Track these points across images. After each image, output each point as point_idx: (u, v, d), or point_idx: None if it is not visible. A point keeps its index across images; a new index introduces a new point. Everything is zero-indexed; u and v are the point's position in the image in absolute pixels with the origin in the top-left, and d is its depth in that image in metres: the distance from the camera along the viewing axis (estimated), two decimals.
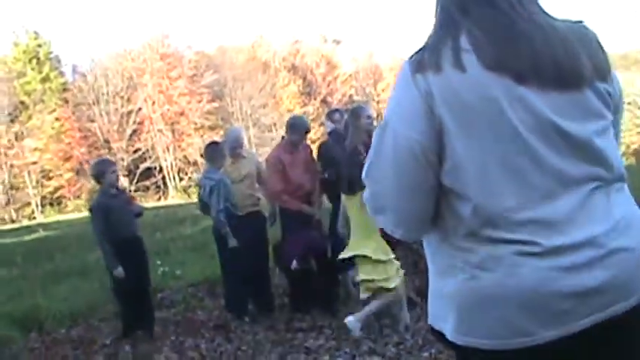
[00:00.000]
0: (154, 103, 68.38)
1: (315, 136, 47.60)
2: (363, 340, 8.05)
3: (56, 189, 64.74)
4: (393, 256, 8.31)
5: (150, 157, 66.98)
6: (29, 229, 38.06)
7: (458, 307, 2.36)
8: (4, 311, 11.98)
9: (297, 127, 10.24)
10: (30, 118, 65.98)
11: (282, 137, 10.65)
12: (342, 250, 9.37)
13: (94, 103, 66.02)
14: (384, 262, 8.18)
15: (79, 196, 63.27)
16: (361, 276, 8.33)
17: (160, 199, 63.55)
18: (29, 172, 63.86)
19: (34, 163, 64.04)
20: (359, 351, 7.74)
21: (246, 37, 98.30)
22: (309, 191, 10.16)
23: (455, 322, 2.37)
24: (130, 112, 67.06)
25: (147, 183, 66.24)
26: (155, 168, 67.17)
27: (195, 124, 68.89)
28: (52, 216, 58.30)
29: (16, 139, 65.00)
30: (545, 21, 2.34)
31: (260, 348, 8.40)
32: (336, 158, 9.75)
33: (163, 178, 67.43)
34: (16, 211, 63.87)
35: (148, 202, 55.33)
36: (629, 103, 45.29)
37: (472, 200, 2.30)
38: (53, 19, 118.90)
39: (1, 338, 10.55)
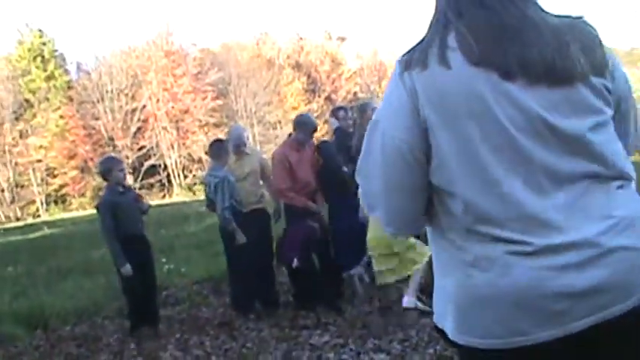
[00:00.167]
0: (158, 100, 68.42)
1: (320, 133, 47.58)
2: (368, 337, 8.05)
3: (61, 187, 64.87)
4: (413, 241, 8.30)
5: (154, 155, 67.02)
6: (34, 227, 38.20)
7: (456, 306, 2.36)
8: (9, 309, 12.00)
9: (305, 126, 10.22)
10: (35, 116, 66.13)
11: (289, 135, 10.63)
12: (344, 249, 9.42)
13: (98, 101, 66.07)
14: (397, 253, 8.21)
15: (83, 194, 63.44)
16: (377, 267, 8.51)
17: (164, 196, 63.66)
18: (34, 170, 63.99)
19: (39, 161, 64.16)
20: (364, 348, 7.72)
21: (251, 34, 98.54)
22: (315, 189, 10.15)
23: (454, 320, 2.38)
24: (134, 110, 67.11)
25: (151, 180, 66.31)
26: (160, 165, 67.24)
27: (200, 121, 68.89)
28: (57, 214, 58.53)
29: (21, 137, 65.19)
30: (539, 17, 2.31)
31: (265, 345, 8.39)
32: (336, 157, 9.79)
33: (168, 175, 67.48)
34: (21, 209, 64.02)
35: (153, 199, 55.30)
36: None
37: (460, 198, 2.30)
38: (57, 17, 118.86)
39: (6, 336, 10.57)
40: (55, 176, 65.12)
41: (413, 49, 2.42)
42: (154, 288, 9.93)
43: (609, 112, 2.31)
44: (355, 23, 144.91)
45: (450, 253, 2.39)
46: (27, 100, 67.14)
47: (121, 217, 9.28)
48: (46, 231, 33.25)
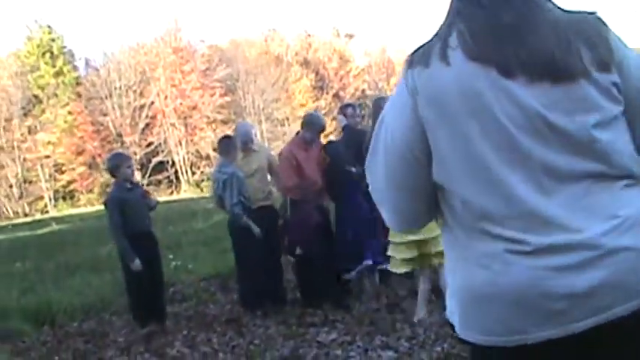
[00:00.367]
0: (166, 97, 68.47)
1: (328, 130, 47.53)
2: (376, 335, 8.04)
3: (69, 183, 64.99)
4: (433, 234, 8.29)
5: (162, 151, 67.05)
6: (42, 223, 38.26)
7: (460, 303, 2.39)
8: (18, 304, 12.01)
9: (313, 125, 10.23)
10: (43, 112, 66.23)
11: (297, 133, 10.62)
12: (346, 249, 9.42)
13: (106, 97, 66.13)
14: (416, 241, 8.21)
15: (91, 190, 63.54)
16: (391, 253, 8.48)
17: (172, 193, 63.72)
18: (42, 166, 64.12)
19: (47, 156, 64.28)
20: (371, 345, 7.71)
21: (259, 30, 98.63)
22: (321, 188, 10.15)
23: (458, 317, 2.40)
24: (142, 106, 67.19)
25: (159, 177, 66.40)
26: (168, 162, 67.30)
27: (208, 117, 68.90)
28: (65, 210, 58.65)
29: (30, 132, 65.29)
30: (539, 14, 2.28)
31: (272, 342, 8.39)
32: (343, 157, 9.80)
33: (176, 172, 67.53)
34: (29, 204, 64.17)
35: (161, 195, 55.25)
36: None
37: (460, 196, 2.32)
38: (66, 13, 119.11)
39: (13, 331, 10.58)
40: (63, 172, 65.23)
41: (419, 47, 2.43)
42: (161, 285, 9.94)
43: (616, 108, 2.25)
44: (363, 20, 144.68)
45: (456, 250, 2.41)
46: (35, 96, 67.25)
47: (129, 213, 9.29)
48: (54, 227, 33.30)
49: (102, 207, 9.76)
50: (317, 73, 79.25)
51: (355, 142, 10.06)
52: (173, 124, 68.17)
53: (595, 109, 2.20)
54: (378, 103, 9.85)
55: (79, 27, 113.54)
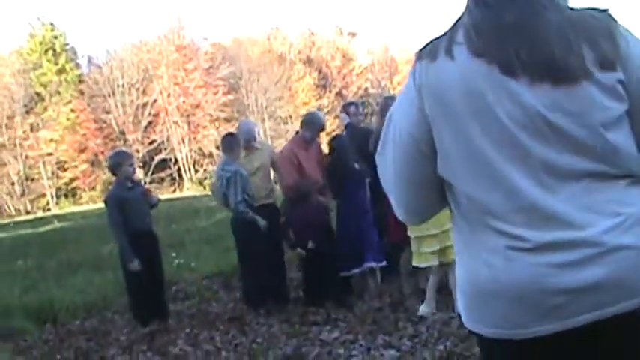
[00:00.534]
0: (169, 95, 68.44)
1: (330, 128, 47.64)
2: (378, 333, 8.04)
3: (71, 180, 64.97)
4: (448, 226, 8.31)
5: (165, 149, 67.08)
6: (44, 221, 38.26)
7: (466, 296, 2.44)
8: (20, 302, 12.02)
9: (313, 124, 10.28)
10: (46, 109, 66.21)
11: (297, 132, 10.63)
12: (345, 250, 9.43)
13: (109, 95, 66.10)
14: (435, 235, 8.24)
15: (93, 188, 63.51)
16: (417, 249, 8.56)
17: (174, 191, 63.71)
18: (44, 164, 64.10)
19: (50, 154, 64.28)
20: (374, 344, 7.71)
21: (262, 29, 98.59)
22: (322, 186, 10.16)
23: (466, 309, 2.46)
24: (145, 104, 67.18)
25: (162, 175, 66.40)
26: (170, 160, 67.28)
27: (211, 116, 68.90)
28: (67, 207, 58.58)
29: (32, 130, 65.29)
30: (544, 14, 2.28)
31: (274, 341, 8.39)
32: (349, 151, 9.80)
33: (178, 170, 67.52)
34: (31, 202, 64.17)
35: (163, 193, 55.35)
36: None
37: (463, 191, 2.37)
38: (69, 10, 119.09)
39: (15, 329, 10.58)
40: (65, 170, 65.23)
41: (429, 42, 2.46)
42: (161, 283, 9.97)
43: (622, 107, 2.24)
44: (366, 19, 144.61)
45: (463, 244, 2.47)
46: (38, 94, 67.24)
47: (129, 212, 9.31)
48: (56, 225, 33.32)
49: (104, 205, 9.76)
50: (320, 72, 79.23)
51: (358, 140, 10.08)
52: (176, 122, 68.16)
53: (597, 109, 2.21)
54: (387, 102, 9.90)
55: (82, 24, 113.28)
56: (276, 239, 10.13)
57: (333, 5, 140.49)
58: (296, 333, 8.61)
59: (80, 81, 69.20)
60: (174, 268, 13.84)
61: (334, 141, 10.30)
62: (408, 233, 8.57)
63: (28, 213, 59.70)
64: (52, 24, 70.68)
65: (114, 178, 9.99)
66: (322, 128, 10.47)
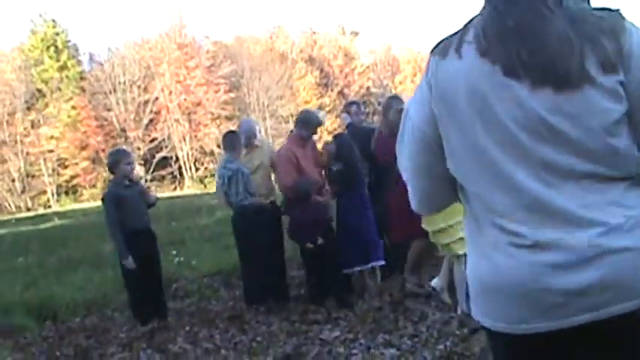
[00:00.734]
0: (170, 92, 68.47)
1: (332, 127, 47.72)
2: (379, 332, 8.04)
3: (72, 177, 64.94)
4: (460, 218, 8.32)
5: (166, 147, 67.05)
6: (44, 218, 38.27)
7: (473, 290, 2.52)
8: (20, 299, 12.01)
9: (309, 123, 10.28)
10: (47, 106, 66.21)
11: (291, 131, 10.65)
12: (346, 247, 9.43)
13: (110, 92, 66.11)
14: (450, 226, 8.24)
15: (94, 185, 63.47)
16: (439, 241, 8.50)
17: (175, 188, 63.73)
18: (45, 160, 64.10)
19: (50, 151, 64.27)
20: (374, 343, 7.71)
21: (264, 27, 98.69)
22: (321, 185, 10.16)
23: (473, 302, 2.53)
24: (146, 102, 67.20)
25: (163, 172, 66.39)
26: (171, 158, 67.28)
27: (212, 114, 68.92)
28: (68, 204, 58.61)
29: (33, 127, 65.24)
30: (548, 17, 2.28)
31: (274, 339, 8.38)
32: (350, 151, 9.79)
33: (179, 167, 67.53)
34: (32, 199, 64.17)
35: (164, 191, 55.49)
36: None
37: (470, 188, 2.46)
38: (71, 7, 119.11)
39: (15, 326, 10.58)
40: (66, 167, 65.21)
41: (444, 39, 2.52)
42: (159, 282, 9.96)
43: (621, 108, 2.25)
44: (369, 18, 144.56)
45: (472, 239, 2.53)
46: (39, 90, 67.25)
47: (126, 210, 9.34)
48: (57, 222, 33.33)
49: (101, 202, 9.77)
50: (322, 71, 79.23)
51: (360, 139, 10.07)
52: (177, 120, 68.18)
53: (598, 112, 2.23)
54: (390, 101, 9.90)
55: (84, 21, 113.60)
56: (277, 237, 10.14)
57: (336, 4, 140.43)
58: (296, 332, 8.61)
59: (81, 78, 69.20)
60: (174, 266, 13.84)
61: (336, 139, 10.30)
62: (423, 225, 8.56)
63: (28, 210, 59.77)
64: (53, 20, 70.79)
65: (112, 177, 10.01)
66: (318, 125, 10.48)
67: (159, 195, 10.76)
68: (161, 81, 68.30)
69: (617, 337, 2.29)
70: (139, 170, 56.35)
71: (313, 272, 10.01)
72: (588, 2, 2.39)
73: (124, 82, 66.64)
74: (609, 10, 2.34)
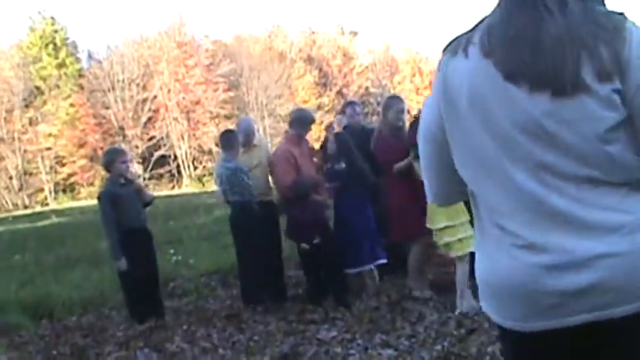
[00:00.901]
0: (169, 91, 68.51)
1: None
2: (376, 332, 8.03)
3: (69, 175, 64.97)
4: (464, 219, 8.28)
5: (164, 145, 67.03)
6: (42, 215, 38.34)
7: (480, 288, 2.58)
8: (16, 298, 12.01)
9: (303, 121, 10.36)
10: (45, 103, 66.24)
11: (286, 131, 10.66)
12: (344, 247, 9.41)
13: (109, 90, 66.07)
14: (452, 226, 8.28)
15: (92, 183, 63.41)
16: (450, 239, 8.49)
17: (173, 187, 63.73)
18: (43, 158, 64.12)
19: (48, 149, 64.29)
20: (372, 343, 7.70)
21: (263, 26, 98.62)
22: (320, 183, 10.15)
23: (482, 298, 2.59)
24: (145, 100, 67.20)
25: (161, 171, 66.37)
26: (170, 156, 67.27)
27: (211, 112, 68.93)
28: (65, 202, 58.65)
29: (31, 124, 65.26)
30: (549, 24, 2.28)
31: (272, 339, 8.37)
32: (350, 149, 9.77)
33: (178, 166, 67.52)
34: (29, 196, 64.18)
35: (162, 190, 55.54)
36: None
37: (474, 189, 2.51)
38: (70, 4, 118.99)
39: (12, 325, 10.57)
40: (64, 165, 65.23)
41: (456, 37, 2.55)
42: (156, 281, 9.99)
43: (619, 116, 2.24)
44: (368, 18, 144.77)
45: (480, 238, 2.57)
46: (37, 88, 67.24)
47: (122, 208, 9.37)
48: (54, 220, 33.37)
49: (97, 201, 9.76)
50: (320, 70, 79.32)
51: (359, 139, 10.05)
52: (176, 119, 68.19)
53: (592, 120, 2.23)
54: (389, 101, 9.90)
55: (83, 19, 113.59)
56: (274, 236, 10.14)
57: (335, 4, 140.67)
58: (293, 331, 8.60)
59: (80, 75, 69.22)
60: (172, 265, 13.85)
61: (336, 138, 10.27)
62: (428, 225, 8.54)
63: (25, 207, 59.80)
64: (52, 18, 70.87)
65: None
66: (312, 122, 10.51)
67: (156, 193, 10.79)
68: (160, 79, 68.32)
69: (618, 339, 2.31)
70: (136, 168, 56.45)
71: (311, 272, 10.00)
72: (603, 3, 2.38)
73: (123, 80, 66.61)
74: (613, 13, 2.32)
